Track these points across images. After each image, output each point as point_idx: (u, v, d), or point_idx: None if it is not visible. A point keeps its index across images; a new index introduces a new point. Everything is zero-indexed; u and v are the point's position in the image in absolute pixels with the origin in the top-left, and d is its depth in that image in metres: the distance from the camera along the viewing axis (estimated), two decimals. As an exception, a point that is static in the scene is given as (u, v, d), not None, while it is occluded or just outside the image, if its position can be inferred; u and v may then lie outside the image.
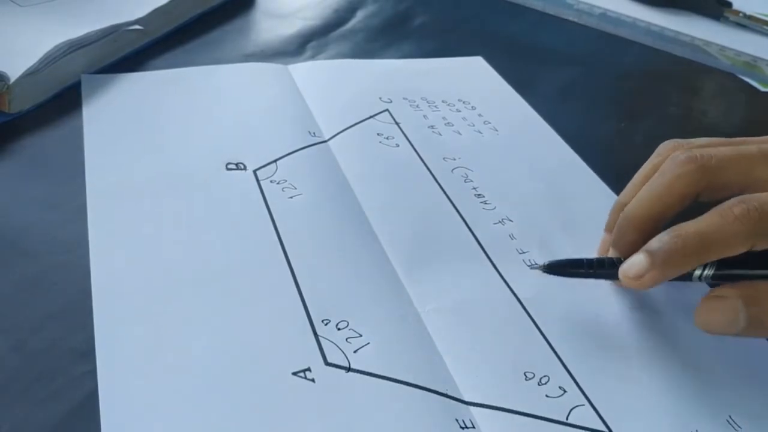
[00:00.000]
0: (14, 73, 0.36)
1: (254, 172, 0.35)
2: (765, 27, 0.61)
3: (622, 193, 0.32)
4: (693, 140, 0.32)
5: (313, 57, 0.48)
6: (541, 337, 0.29)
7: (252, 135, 0.38)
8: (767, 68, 0.55)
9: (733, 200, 0.27)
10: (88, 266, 0.29)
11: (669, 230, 0.28)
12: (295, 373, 0.26)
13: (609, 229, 0.32)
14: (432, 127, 0.41)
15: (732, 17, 0.62)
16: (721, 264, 0.28)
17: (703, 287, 0.31)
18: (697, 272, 0.28)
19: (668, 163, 0.30)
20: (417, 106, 0.43)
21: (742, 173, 0.29)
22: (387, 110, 0.42)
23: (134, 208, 0.32)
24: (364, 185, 0.36)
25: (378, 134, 0.40)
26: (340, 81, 0.44)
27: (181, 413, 0.24)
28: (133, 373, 0.25)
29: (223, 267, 0.30)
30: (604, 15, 0.61)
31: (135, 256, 0.29)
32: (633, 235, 0.30)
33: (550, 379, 0.27)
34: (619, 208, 0.31)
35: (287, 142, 0.37)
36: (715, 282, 0.28)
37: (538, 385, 0.27)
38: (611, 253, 0.31)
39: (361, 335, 0.28)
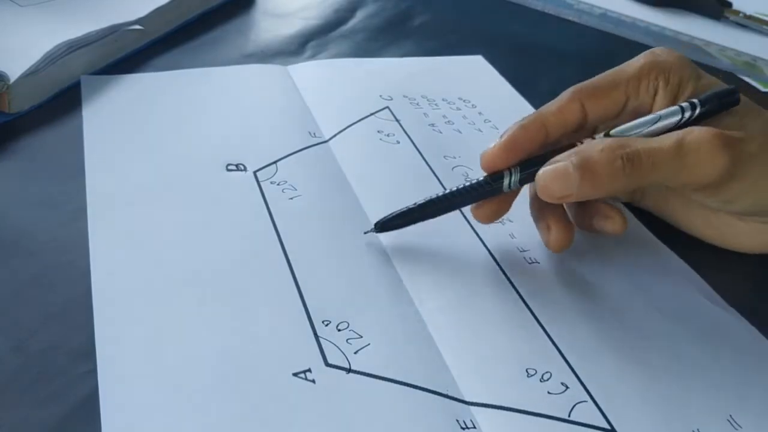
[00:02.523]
0: (14, 73, 0.36)
1: (254, 173, 0.35)
2: (765, 27, 0.61)
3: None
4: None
5: (313, 57, 0.47)
6: (543, 333, 0.29)
7: (252, 136, 0.38)
8: (767, 68, 0.55)
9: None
10: (88, 266, 0.29)
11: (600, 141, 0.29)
12: (295, 374, 0.26)
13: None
14: (432, 125, 0.41)
15: (732, 17, 0.62)
16: (524, 166, 0.30)
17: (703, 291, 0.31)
18: (506, 181, 0.31)
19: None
20: (417, 104, 0.43)
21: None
22: (387, 107, 0.42)
23: (134, 209, 0.32)
24: (364, 184, 0.36)
25: (378, 131, 0.40)
26: (340, 80, 0.44)
27: (181, 414, 0.24)
28: (133, 373, 0.25)
29: (224, 268, 0.30)
30: (604, 15, 0.61)
31: (135, 256, 0.29)
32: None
33: (552, 376, 0.27)
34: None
35: (287, 143, 0.37)
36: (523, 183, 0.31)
37: (540, 381, 0.27)
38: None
39: (361, 336, 0.27)
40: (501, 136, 0.31)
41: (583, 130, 0.33)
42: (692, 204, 0.34)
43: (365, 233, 0.32)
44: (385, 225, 0.32)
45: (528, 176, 0.30)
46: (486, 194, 0.31)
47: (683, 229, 0.36)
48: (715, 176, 0.29)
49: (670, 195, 0.35)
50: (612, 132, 0.30)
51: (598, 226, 0.32)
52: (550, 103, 0.32)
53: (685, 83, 0.32)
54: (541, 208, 0.32)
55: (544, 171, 0.29)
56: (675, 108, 0.30)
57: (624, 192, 0.28)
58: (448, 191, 0.32)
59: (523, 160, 0.31)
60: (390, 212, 0.32)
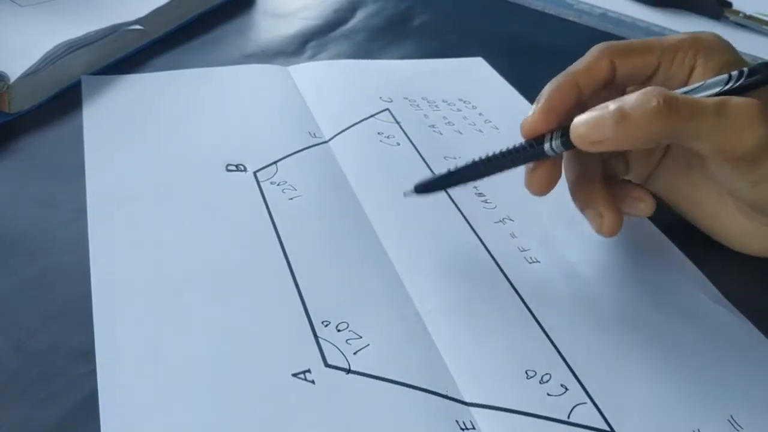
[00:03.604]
0: (14, 73, 0.36)
1: (254, 173, 0.35)
2: (765, 27, 0.61)
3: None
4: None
5: (313, 57, 0.47)
6: (543, 334, 0.29)
7: (252, 136, 0.38)
8: (767, 68, 0.55)
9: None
10: (88, 266, 0.29)
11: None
12: (295, 375, 0.26)
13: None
14: (433, 126, 0.41)
15: (732, 17, 0.62)
16: (566, 129, 0.28)
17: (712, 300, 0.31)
18: (547, 144, 0.29)
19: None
20: (417, 106, 0.43)
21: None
22: (387, 109, 0.42)
23: (134, 209, 0.32)
24: (364, 185, 0.36)
25: (378, 133, 0.40)
26: (340, 81, 0.44)
27: (181, 414, 0.24)
28: (133, 373, 0.25)
29: (223, 268, 0.30)
30: (604, 15, 0.61)
31: (135, 256, 0.29)
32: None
33: (552, 377, 0.27)
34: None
35: (287, 144, 0.37)
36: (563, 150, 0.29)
37: (540, 383, 0.27)
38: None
39: (361, 337, 0.27)
40: (537, 102, 0.31)
41: (613, 89, 0.32)
42: (703, 195, 0.34)
43: (405, 195, 0.32)
44: (425, 187, 0.31)
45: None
46: (528, 158, 0.30)
47: (688, 219, 0.35)
48: (751, 146, 0.27)
49: (683, 180, 0.34)
50: None
51: (629, 209, 0.32)
52: (578, 61, 0.32)
53: (729, 68, 0.30)
54: (587, 194, 0.32)
55: (579, 117, 0.28)
56: (723, 77, 0.29)
57: (661, 140, 0.27)
58: (488, 155, 0.31)
59: (564, 124, 0.30)
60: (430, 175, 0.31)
